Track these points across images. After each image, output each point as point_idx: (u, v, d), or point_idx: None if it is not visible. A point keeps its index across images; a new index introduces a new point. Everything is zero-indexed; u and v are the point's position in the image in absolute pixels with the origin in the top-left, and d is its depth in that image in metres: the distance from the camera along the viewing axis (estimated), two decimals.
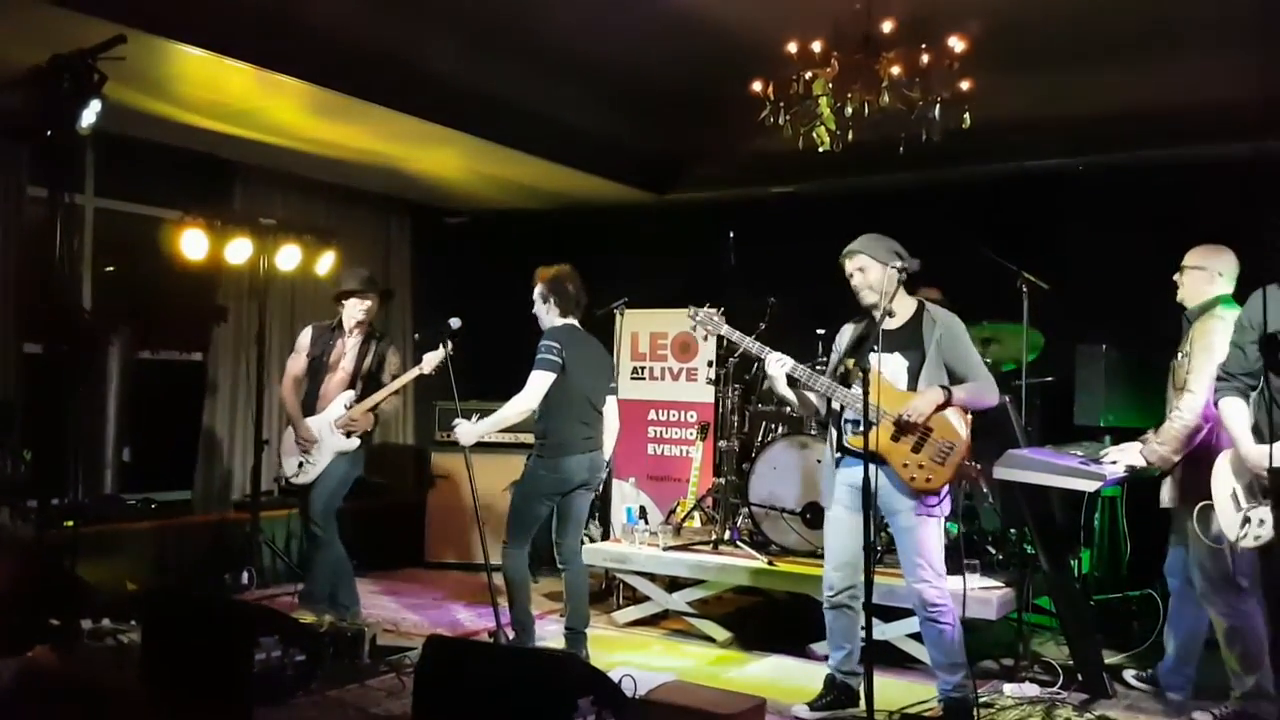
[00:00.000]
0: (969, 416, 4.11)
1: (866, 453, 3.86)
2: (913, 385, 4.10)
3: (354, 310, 5.42)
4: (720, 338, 4.53)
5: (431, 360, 5.25)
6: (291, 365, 5.58)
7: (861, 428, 3.98)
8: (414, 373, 5.39)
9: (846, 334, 4.38)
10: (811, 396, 4.32)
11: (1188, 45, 5.50)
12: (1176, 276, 4.38)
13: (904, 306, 4.19)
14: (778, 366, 4.27)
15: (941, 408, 4.01)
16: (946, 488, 4.06)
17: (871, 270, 4.12)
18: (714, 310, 4.51)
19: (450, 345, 5.00)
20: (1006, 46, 5.13)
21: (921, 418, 3.99)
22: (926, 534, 4.06)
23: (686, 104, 6.86)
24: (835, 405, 4.18)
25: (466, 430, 4.86)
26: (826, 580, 4.24)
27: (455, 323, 5.01)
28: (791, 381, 4.30)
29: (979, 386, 4.09)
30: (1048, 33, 5.47)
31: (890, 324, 4.16)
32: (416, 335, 5.22)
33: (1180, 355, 4.29)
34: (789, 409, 5.54)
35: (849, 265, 4.20)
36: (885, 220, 6.39)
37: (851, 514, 4.09)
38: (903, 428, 4.01)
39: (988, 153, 6.14)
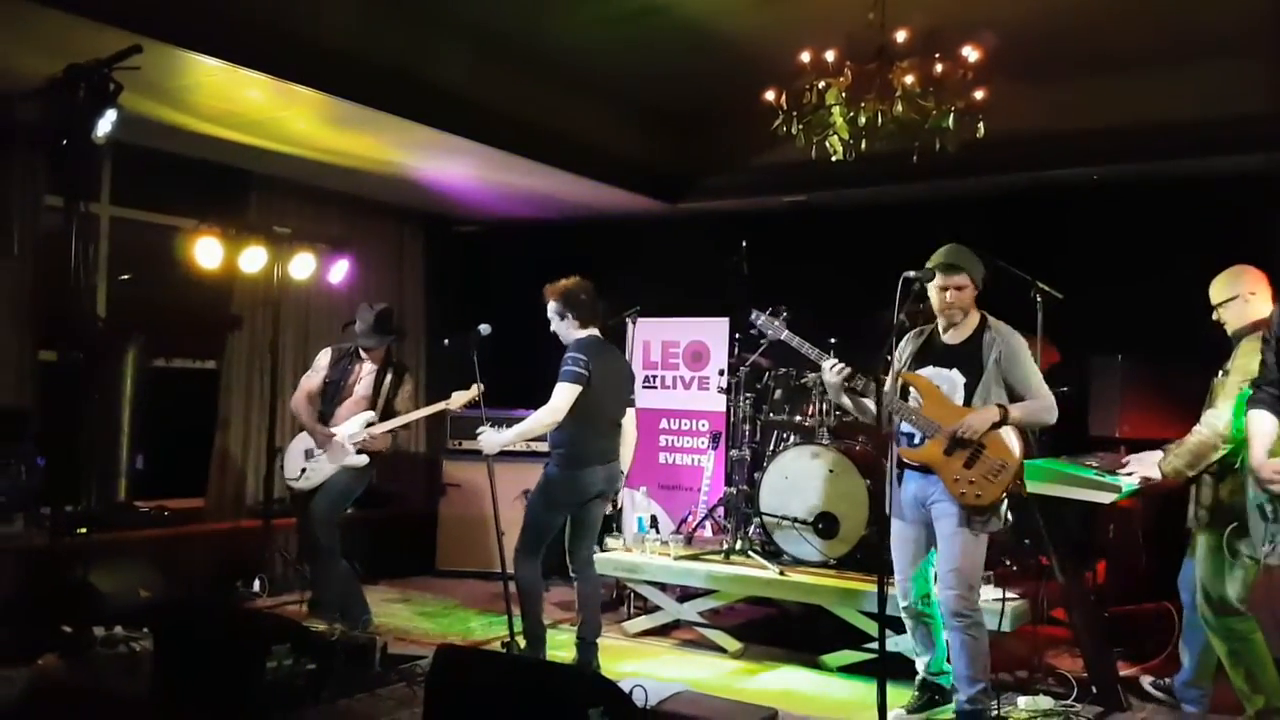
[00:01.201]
0: (1023, 436, 4.12)
1: (891, 465, 3.91)
2: (969, 401, 4.10)
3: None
4: (777, 341, 4.56)
5: (459, 399, 5.31)
6: (306, 382, 5.62)
7: (916, 441, 4.08)
8: (439, 407, 5.45)
9: (906, 346, 4.37)
10: (868, 404, 4.28)
11: (1203, 56, 5.50)
12: (1215, 316, 4.29)
13: (968, 321, 4.19)
14: (834, 374, 4.28)
15: (997, 426, 4.02)
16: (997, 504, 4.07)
17: (968, 291, 4.11)
18: (774, 316, 4.55)
19: (478, 350, 5.01)
20: (1021, 57, 5.12)
21: (975, 435, 4.00)
22: (966, 546, 4.07)
23: (699, 113, 6.88)
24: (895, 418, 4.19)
25: (491, 439, 4.85)
26: (899, 589, 4.28)
27: (485, 329, 5.02)
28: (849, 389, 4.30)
29: (1038, 406, 4.09)
30: (1062, 43, 5.46)
31: (951, 338, 4.19)
32: (446, 341, 5.23)
33: (1221, 373, 4.22)
34: (809, 419, 5.54)
35: (945, 280, 4.11)
36: (897, 230, 6.42)
37: (911, 526, 4.19)
38: (956, 443, 4.02)
39: (1002, 163, 6.12)
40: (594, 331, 4.93)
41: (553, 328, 4.98)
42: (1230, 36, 5.14)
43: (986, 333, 4.14)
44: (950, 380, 4.14)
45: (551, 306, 4.93)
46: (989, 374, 4.07)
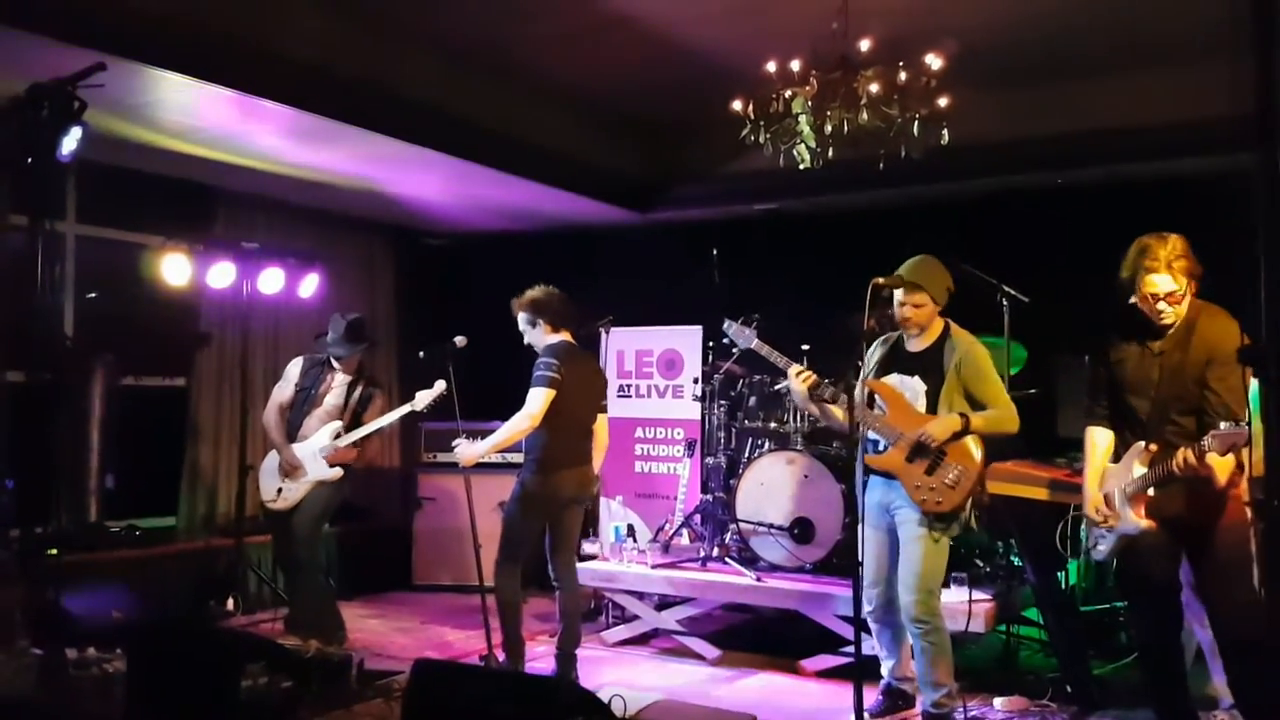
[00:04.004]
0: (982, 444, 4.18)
1: (858, 470, 3.95)
2: (932, 408, 4.16)
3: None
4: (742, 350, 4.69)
5: (424, 398, 5.31)
6: (277, 394, 5.60)
7: (880, 448, 4.15)
8: (405, 409, 5.45)
9: (875, 352, 4.43)
10: (834, 411, 4.34)
11: (1164, 61, 5.58)
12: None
13: (930, 329, 4.26)
14: (799, 381, 4.34)
15: (959, 435, 4.08)
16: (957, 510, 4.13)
17: (927, 308, 4.17)
18: (746, 325, 4.65)
19: (453, 362, 5.01)
20: (984, 64, 5.19)
21: (936, 442, 4.06)
22: (927, 552, 4.12)
23: (668, 123, 6.91)
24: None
25: (467, 450, 4.84)
26: (865, 595, 4.26)
27: (460, 341, 5.03)
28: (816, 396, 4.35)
29: (998, 415, 4.15)
30: (1024, 50, 5.54)
31: (914, 346, 4.27)
32: (421, 353, 5.24)
33: None
34: (784, 425, 5.59)
35: (905, 296, 4.19)
36: (867, 236, 6.48)
37: (876, 531, 4.24)
38: (918, 450, 4.08)
39: (967, 169, 6.18)
40: (565, 336, 4.94)
41: (526, 340, 4.99)
42: (1190, 41, 5.22)
43: (948, 341, 4.22)
44: (913, 388, 4.22)
45: (522, 317, 4.94)
46: (949, 382, 4.14)
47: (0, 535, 5.63)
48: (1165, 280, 3.53)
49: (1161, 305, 3.56)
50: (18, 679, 4.58)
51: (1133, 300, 3.62)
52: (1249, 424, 3.23)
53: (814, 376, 4.34)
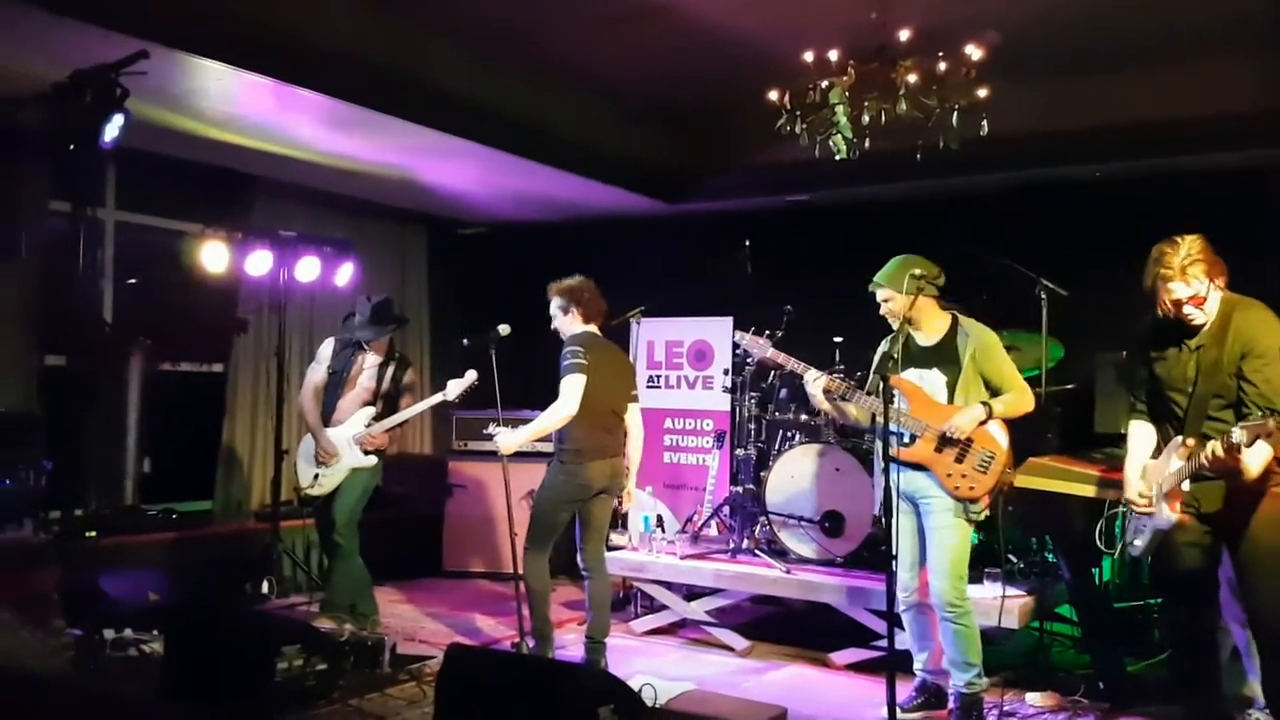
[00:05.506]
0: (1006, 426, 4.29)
1: (888, 463, 3.98)
2: (951, 398, 4.27)
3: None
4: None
5: (455, 388, 5.33)
6: (311, 375, 5.64)
7: (905, 441, 4.25)
8: (437, 398, 5.48)
9: (882, 351, 4.50)
10: (850, 410, 4.45)
11: (1203, 53, 5.50)
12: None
13: (938, 323, 4.36)
14: (815, 385, 4.44)
15: (983, 423, 4.19)
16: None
17: (896, 300, 4.26)
18: (759, 336, 4.70)
19: (496, 350, 5.01)
20: (1022, 55, 5.13)
21: (963, 434, 4.17)
22: (957, 536, 4.22)
23: (701, 114, 6.88)
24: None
25: (508, 439, 4.86)
26: (899, 583, 4.32)
27: (505, 329, 5.04)
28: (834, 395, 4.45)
29: (1015, 397, 4.27)
30: (1064, 41, 5.47)
31: (926, 340, 4.37)
32: (465, 340, 5.24)
33: None
34: (815, 419, 5.60)
35: (878, 296, 4.35)
36: (902, 229, 6.43)
37: (907, 518, 4.33)
38: (946, 440, 4.19)
39: (1004, 160, 6.13)
40: (592, 328, 4.96)
41: (554, 324, 5.01)
42: (1230, 34, 5.16)
43: (960, 332, 4.32)
44: (932, 381, 4.32)
45: (556, 302, 4.95)
46: (966, 370, 4.25)
47: (39, 517, 5.73)
48: (1180, 287, 3.50)
49: (1187, 310, 3.54)
50: (55, 658, 4.67)
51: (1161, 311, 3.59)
52: None
53: (823, 376, 4.44)
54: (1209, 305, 3.55)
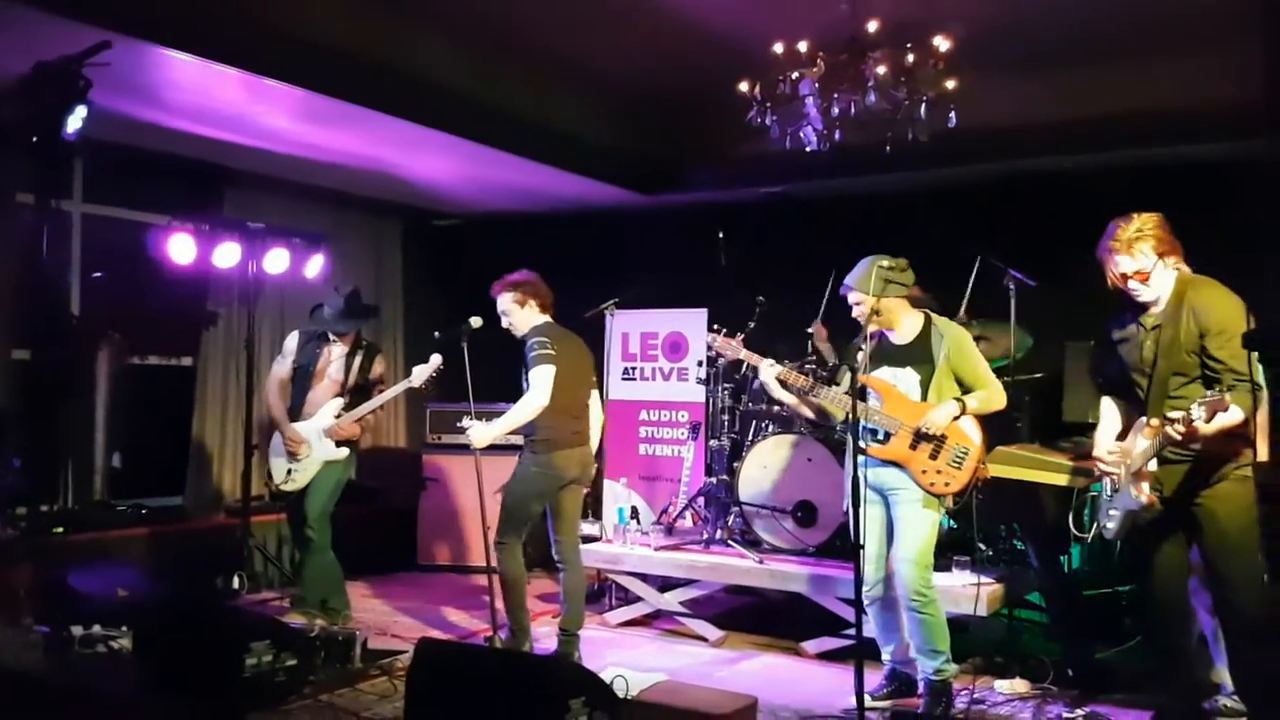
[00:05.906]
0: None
1: (856, 457, 4.01)
2: (924, 396, 4.31)
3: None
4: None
5: (421, 374, 5.29)
6: (277, 369, 5.61)
7: (879, 437, 4.30)
8: (403, 385, 5.43)
9: (854, 351, 4.50)
10: (823, 404, 4.45)
11: (1174, 46, 5.53)
12: None
13: (911, 322, 4.38)
14: (768, 373, 4.47)
15: (956, 419, 4.24)
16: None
17: (867, 302, 4.28)
18: (731, 337, 4.69)
19: (468, 343, 4.97)
20: (993, 47, 5.15)
21: (939, 430, 4.21)
22: (926, 526, 4.26)
23: (676, 106, 6.87)
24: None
25: (480, 432, 4.83)
26: (865, 577, 4.32)
27: (476, 321, 5.00)
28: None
29: (988, 395, 4.33)
30: (1033, 34, 5.49)
31: (900, 339, 4.40)
32: (437, 334, 5.20)
33: None
34: (781, 409, 5.62)
35: (849, 299, 4.38)
36: (874, 220, 6.45)
37: (876, 508, 4.35)
38: (920, 437, 4.23)
39: (974, 153, 6.15)
40: (548, 318, 4.95)
41: (507, 323, 4.98)
42: (1200, 26, 5.18)
43: (933, 331, 4.35)
44: (906, 379, 4.35)
45: (510, 296, 4.92)
46: (940, 369, 4.29)
47: (7, 513, 5.68)
48: (1126, 261, 3.60)
49: (1132, 284, 3.62)
50: (24, 655, 4.63)
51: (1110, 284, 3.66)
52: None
53: (789, 373, 4.45)
54: (1156, 281, 3.61)
